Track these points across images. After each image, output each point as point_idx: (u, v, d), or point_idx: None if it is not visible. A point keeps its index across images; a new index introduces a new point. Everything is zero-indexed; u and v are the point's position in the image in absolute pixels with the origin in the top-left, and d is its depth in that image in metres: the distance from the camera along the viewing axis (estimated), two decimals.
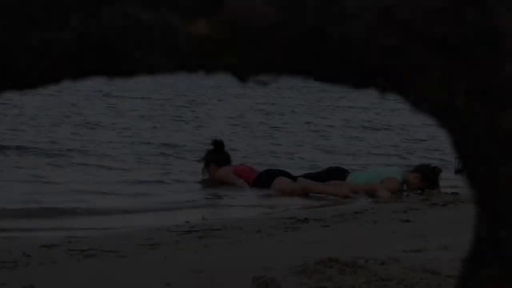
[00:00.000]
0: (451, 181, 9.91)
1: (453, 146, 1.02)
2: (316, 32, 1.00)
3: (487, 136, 0.97)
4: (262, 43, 1.01)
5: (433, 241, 5.44)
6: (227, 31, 1.00)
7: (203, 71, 1.04)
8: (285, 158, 11.73)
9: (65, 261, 4.55)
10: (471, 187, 1.03)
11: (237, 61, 1.03)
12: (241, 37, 1.00)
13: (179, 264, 4.42)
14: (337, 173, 9.38)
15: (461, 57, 0.98)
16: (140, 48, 1.03)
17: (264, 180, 9.03)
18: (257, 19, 0.99)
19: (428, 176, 9.26)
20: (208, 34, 1.01)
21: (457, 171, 10.12)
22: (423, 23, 0.98)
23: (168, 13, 1.02)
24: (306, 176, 9.38)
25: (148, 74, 1.05)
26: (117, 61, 1.06)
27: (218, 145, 9.59)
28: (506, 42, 0.97)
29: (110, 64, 1.07)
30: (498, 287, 0.98)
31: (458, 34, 0.98)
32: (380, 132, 16.56)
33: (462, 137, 1.00)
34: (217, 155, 9.48)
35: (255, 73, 1.05)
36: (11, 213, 6.60)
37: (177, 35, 1.01)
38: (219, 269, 4.29)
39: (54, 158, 9.88)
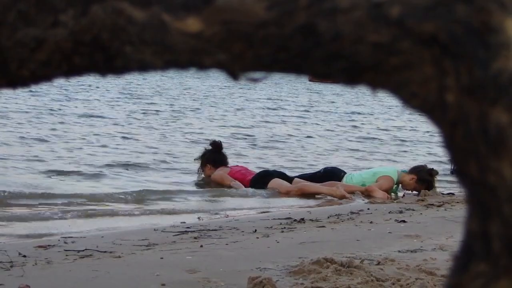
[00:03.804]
0: (447, 181, 9.93)
1: (443, 143, 1.02)
2: (307, 28, 1.00)
3: (477, 132, 0.98)
4: (253, 39, 1.01)
5: (428, 242, 5.45)
6: (218, 28, 1.01)
7: (193, 67, 1.05)
8: (284, 160, 11.75)
9: (61, 261, 4.55)
10: (461, 183, 1.03)
11: (228, 58, 1.03)
12: (232, 34, 1.01)
13: (175, 265, 4.42)
14: (333, 174, 9.40)
15: (451, 53, 0.99)
16: (131, 44, 1.03)
17: (259, 181, 9.05)
18: (248, 16, 0.99)
19: (424, 178, 9.27)
20: (198, 31, 1.01)
21: (453, 172, 10.14)
22: (413, 20, 0.98)
23: (159, 9, 1.02)
24: (302, 176, 9.40)
25: (139, 71, 1.06)
26: (109, 58, 1.07)
27: (216, 146, 9.61)
28: (496, 38, 0.97)
29: (102, 61, 1.07)
30: (488, 283, 0.99)
31: (448, 31, 0.98)
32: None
33: (452, 133, 1.00)
34: (214, 155, 9.50)
35: (246, 70, 1.05)
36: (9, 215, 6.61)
37: (168, 32, 1.02)
38: (215, 270, 4.29)
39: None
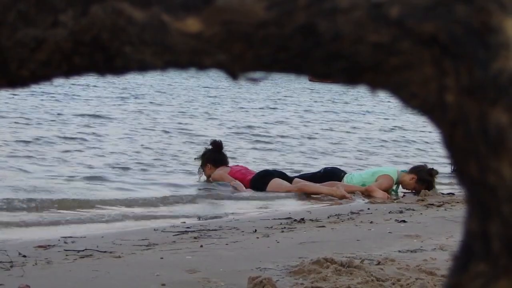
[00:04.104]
0: (448, 181, 9.93)
1: (443, 143, 1.02)
2: (307, 28, 1.00)
3: (477, 132, 0.98)
4: (253, 40, 1.01)
5: (428, 242, 5.45)
6: (218, 28, 1.01)
7: (193, 68, 1.05)
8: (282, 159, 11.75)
9: (61, 261, 4.55)
10: (461, 183, 1.03)
11: (228, 58, 1.03)
12: (232, 34, 1.01)
13: (175, 265, 4.42)
14: (333, 174, 9.40)
15: (451, 53, 0.99)
16: (131, 44, 1.04)
17: (260, 181, 9.05)
18: (248, 16, 0.99)
19: (424, 178, 9.27)
20: (198, 31, 1.01)
21: (453, 172, 10.14)
22: (413, 20, 0.99)
23: (159, 10, 1.02)
24: (302, 176, 9.40)
25: (139, 71, 1.06)
26: (109, 58, 1.07)
27: (216, 145, 9.61)
28: (495, 38, 0.98)
29: (102, 61, 1.07)
30: (487, 283, 0.99)
31: (448, 31, 0.98)
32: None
33: (452, 134, 1.01)
34: (214, 155, 9.50)
35: (246, 70, 1.05)
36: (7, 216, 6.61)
37: (168, 32, 1.02)
38: (215, 270, 4.29)
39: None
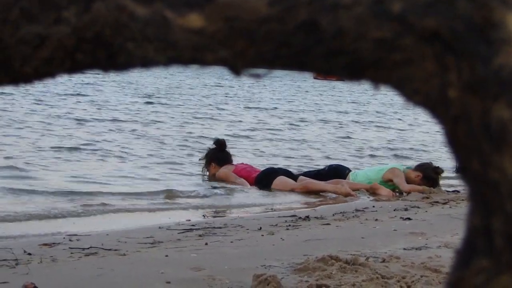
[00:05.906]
0: (452, 179, 9.92)
1: (445, 138, 1.02)
2: (309, 25, 1.00)
3: (479, 128, 0.98)
4: (255, 36, 1.01)
5: (433, 239, 5.45)
6: (220, 25, 1.01)
7: (196, 64, 1.05)
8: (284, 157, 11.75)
9: (66, 259, 4.56)
10: (464, 179, 1.03)
11: (230, 55, 1.03)
12: (234, 30, 1.01)
13: (180, 262, 4.43)
14: (338, 171, 9.40)
15: (453, 49, 0.99)
16: (134, 41, 1.04)
17: (264, 179, 9.05)
18: (250, 12, 0.99)
19: (429, 176, 9.27)
20: (201, 27, 1.01)
21: (458, 169, 10.12)
22: (414, 16, 0.99)
23: (162, 6, 1.02)
24: (306, 174, 9.40)
25: (142, 67, 1.06)
26: (111, 55, 1.07)
27: (220, 144, 9.62)
28: (497, 34, 0.97)
29: (104, 58, 1.07)
30: (490, 279, 0.99)
31: (449, 27, 0.98)
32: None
33: (454, 129, 1.01)
34: (218, 154, 9.51)
35: (249, 66, 1.05)
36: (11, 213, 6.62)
37: (170, 28, 1.02)
38: (219, 267, 4.30)
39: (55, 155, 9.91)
